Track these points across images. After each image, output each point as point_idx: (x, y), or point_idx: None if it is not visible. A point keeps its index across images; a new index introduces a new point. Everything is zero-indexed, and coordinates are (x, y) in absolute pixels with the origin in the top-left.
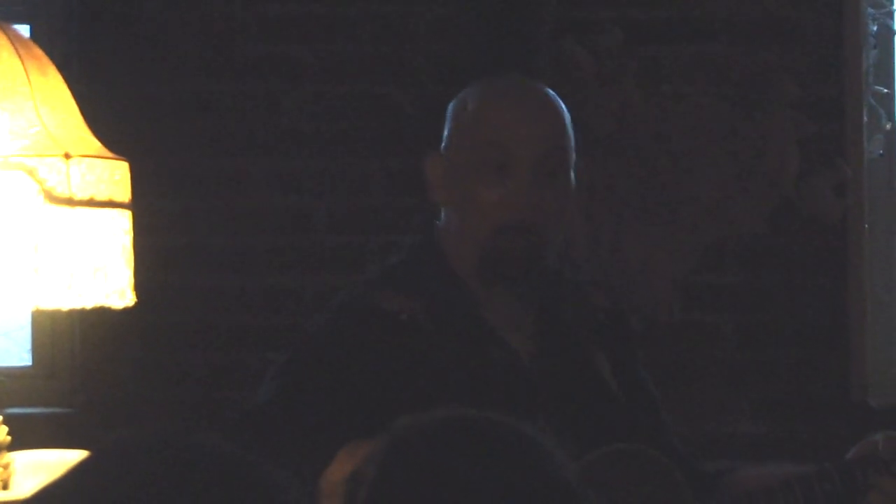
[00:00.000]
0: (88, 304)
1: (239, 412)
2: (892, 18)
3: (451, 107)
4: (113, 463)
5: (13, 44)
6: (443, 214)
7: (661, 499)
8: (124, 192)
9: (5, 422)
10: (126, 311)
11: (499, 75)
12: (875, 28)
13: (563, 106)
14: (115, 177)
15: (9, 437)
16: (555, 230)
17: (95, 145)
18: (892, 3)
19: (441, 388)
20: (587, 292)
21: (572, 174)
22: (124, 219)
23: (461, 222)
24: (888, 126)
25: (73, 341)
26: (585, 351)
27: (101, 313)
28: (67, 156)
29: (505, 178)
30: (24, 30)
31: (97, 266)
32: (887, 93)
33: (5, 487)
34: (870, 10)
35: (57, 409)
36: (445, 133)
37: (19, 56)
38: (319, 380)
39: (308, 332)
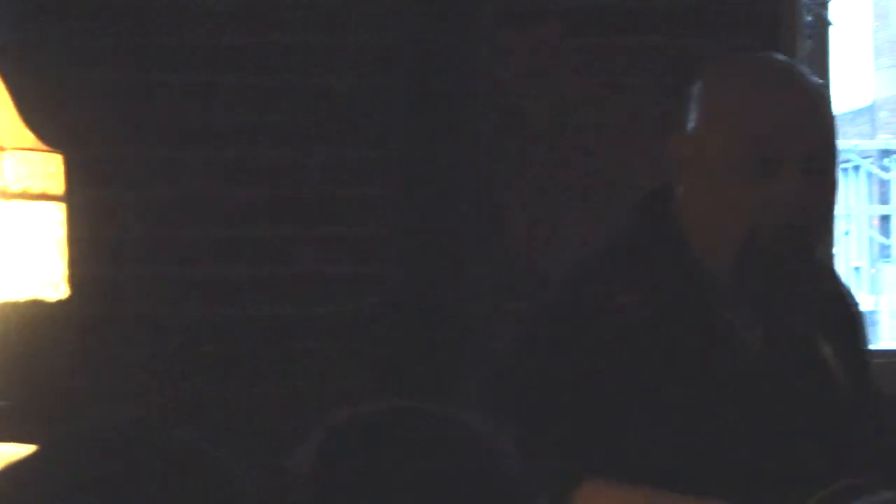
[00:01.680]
0: (22, 297)
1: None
2: (827, 9)
3: (700, 86)
4: (64, 456)
5: None
6: (680, 195)
7: None
8: (58, 185)
9: None
10: (60, 303)
11: (754, 54)
12: (810, 19)
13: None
14: (48, 169)
15: None
16: (822, 231)
17: (29, 138)
18: None
19: (674, 387)
20: (815, 279)
21: (837, 171)
22: (58, 211)
23: (711, 215)
24: None
25: (7, 334)
26: (813, 345)
27: (35, 305)
28: (1, 148)
29: (771, 177)
30: None
31: (30, 258)
32: (822, 83)
33: None
34: (805, 0)
35: None
36: (694, 113)
37: None
38: (541, 382)
39: (529, 320)
